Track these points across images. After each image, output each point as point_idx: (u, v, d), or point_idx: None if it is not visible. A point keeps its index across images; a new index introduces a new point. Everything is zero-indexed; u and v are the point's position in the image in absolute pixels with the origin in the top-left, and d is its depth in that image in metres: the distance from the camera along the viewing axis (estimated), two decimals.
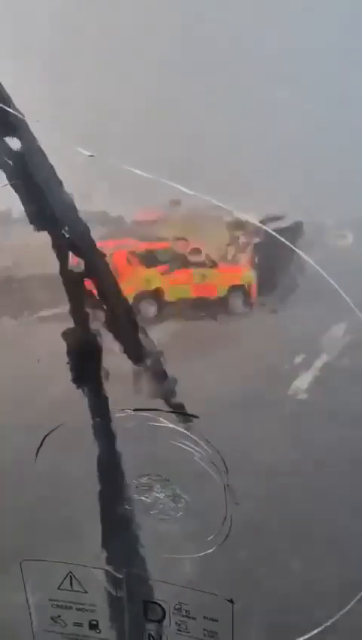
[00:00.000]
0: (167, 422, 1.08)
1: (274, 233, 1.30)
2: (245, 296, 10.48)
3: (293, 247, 1.54)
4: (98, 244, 1.10)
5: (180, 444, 1.07)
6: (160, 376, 1.14)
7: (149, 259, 9.92)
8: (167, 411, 1.08)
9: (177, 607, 1.14)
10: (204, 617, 1.12)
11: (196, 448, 1.06)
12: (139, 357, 1.14)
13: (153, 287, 9.44)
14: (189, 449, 1.06)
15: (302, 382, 5.30)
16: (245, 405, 4.62)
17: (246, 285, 10.58)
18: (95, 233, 1.09)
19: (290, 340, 6.81)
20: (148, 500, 1.14)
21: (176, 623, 1.15)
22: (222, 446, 1.06)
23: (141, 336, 1.16)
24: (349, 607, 1.05)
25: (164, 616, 1.16)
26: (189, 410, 1.12)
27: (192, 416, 1.08)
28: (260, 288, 10.69)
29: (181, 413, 1.08)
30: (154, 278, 9.43)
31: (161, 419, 1.08)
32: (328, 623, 1.06)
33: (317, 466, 3.56)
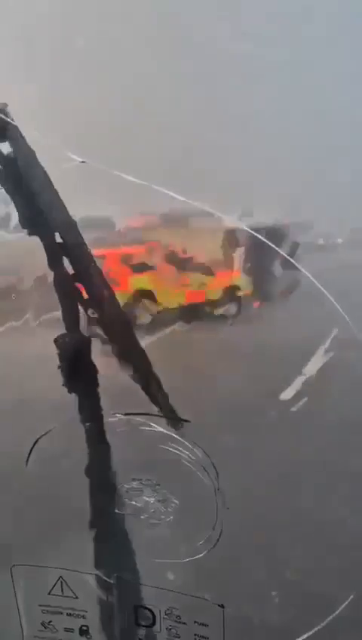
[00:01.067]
0: (158, 426, 1.09)
1: (265, 240, 1.30)
2: (239, 301, 10.51)
3: (287, 256, 1.56)
4: (91, 250, 1.11)
5: (171, 449, 1.07)
6: (151, 379, 1.14)
7: (143, 265, 9.92)
8: (158, 415, 1.08)
9: (168, 612, 1.14)
10: (195, 622, 1.12)
11: (187, 453, 1.07)
12: (132, 361, 1.14)
13: (147, 293, 9.45)
14: (180, 453, 1.07)
15: (293, 388, 5.33)
16: (236, 411, 4.64)
17: (241, 291, 10.62)
18: (88, 238, 1.09)
19: (283, 345, 6.83)
20: (139, 504, 1.14)
21: (166, 628, 1.15)
22: (213, 451, 1.06)
23: (133, 340, 1.16)
24: (338, 611, 1.06)
25: (154, 622, 1.16)
26: (181, 414, 1.12)
27: (184, 420, 1.09)
28: (254, 294, 10.74)
29: (172, 417, 1.09)
30: (148, 283, 9.43)
31: (152, 423, 1.09)
32: (318, 628, 1.07)
33: (307, 472, 3.57)
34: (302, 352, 6.26)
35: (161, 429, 1.08)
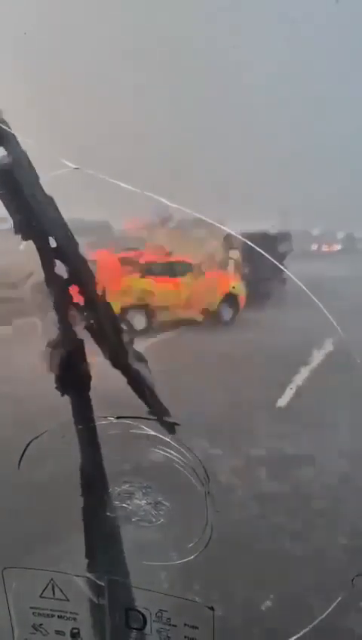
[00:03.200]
0: (149, 429, 1.10)
1: (256, 247, 1.32)
2: (234, 306, 10.53)
3: (278, 264, 1.57)
4: (86, 253, 1.12)
5: (162, 452, 1.08)
6: (144, 383, 1.15)
7: (138, 269, 9.92)
8: (150, 419, 1.09)
9: (158, 614, 1.15)
10: (185, 624, 1.13)
11: (177, 456, 1.08)
12: (124, 364, 1.15)
13: (143, 297, 9.44)
14: (171, 456, 1.08)
15: (287, 394, 5.35)
16: (229, 414, 4.65)
17: (235, 296, 10.64)
18: (83, 242, 1.10)
19: (276, 351, 6.86)
20: (130, 507, 1.15)
21: (157, 630, 1.16)
22: (204, 454, 1.07)
23: (126, 344, 1.17)
24: (327, 613, 1.07)
25: (145, 624, 1.16)
26: (175, 418, 1.13)
27: (174, 424, 1.10)
28: (248, 299, 10.77)
29: (163, 421, 1.10)
30: (143, 287, 9.43)
31: (143, 426, 1.10)
32: (306, 629, 1.08)
33: (298, 477, 3.59)
34: (296, 359, 6.29)
35: (152, 432, 1.09)
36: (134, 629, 1.18)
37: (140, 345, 1.17)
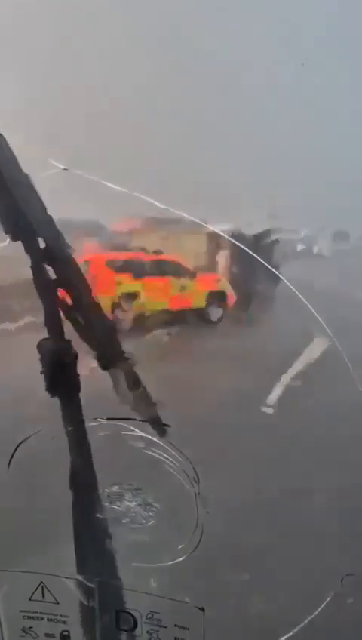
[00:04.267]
0: (140, 431, 1.10)
1: (244, 247, 1.32)
2: (223, 305, 10.55)
3: (266, 264, 1.57)
4: (75, 255, 1.11)
5: (152, 453, 1.08)
6: (133, 385, 1.15)
7: (127, 269, 9.91)
8: (140, 420, 1.09)
9: (149, 616, 1.15)
10: (176, 625, 1.13)
11: (167, 457, 1.08)
12: (113, 366, 1.15)
13: (131, 298, 9.43)
14: (161, 458, 1.08)
15: (275, 395, 5.35)
16: (218, 416, 4.66)
17: (224, 296, 10.66)
18: (73, 243, 1.10)
19: (265, 352, 6.88)
20: (120, 509, 1.14)
21: (147, 632, 1.15)
22: (194, 455, 1.07)
23: (115, 345, 1.17)
24: (317, 612, 1.07)
25: (135, 626, 1.16)
26: (163, 419, 1.13)
27: (165, 425, 1.10)
28: (237, 298, 10.79)
29: (153, 422, 1.10)
30: (132, 288, 9.41)
31: (133, 427, 1.10)
32: (297, 629, 1.08)
33: (288, 478, 3.60)
34: (285, 360, 6.31)
35: (142, 434, 1.09)
36: (125, 630, 1.17)
37: (128, 345, 1.17)
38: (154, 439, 1.09)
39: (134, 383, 1.14)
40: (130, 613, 1.16)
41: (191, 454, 1.07)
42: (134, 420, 1.09)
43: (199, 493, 1.07)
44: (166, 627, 1.14)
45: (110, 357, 1.14)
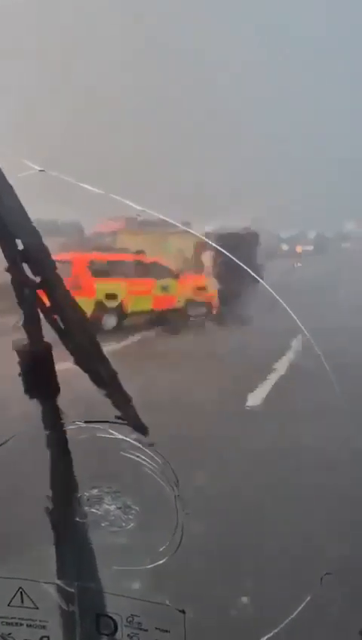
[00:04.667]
0: (119, 434, 1.09)
1: (223, 250, 1.32)
2: (206, 306, 10.57)
3: (245, 267, 1.57)
4: (56, 256, 1.10)
5: (131, 456, 1.08)
6: (115, 388, 1.14)
7: (110, 270, 9.87)
8: (119, 423, 1.08)
9: (129, 619, 1.14)
10: (156, 628, 1.12)
11: (146, 459, 1.07)
12: (93, 367, 1.14)
13: (114, 299, 9.40)
14: (140, 460, 1.07)
15: (255, 396, 5.39)
16: (199, 416, 4.67)
17: (207, 296, 10.68)
18: (53, 244, 1.09)
19: (247, 352, 6.91)
20: (99, 512, 1.14)
21: (128, 635, 1.15)
22: (173, 458, 1.07)
23: (97, 349, 1.16)
24: (295, 614, 1.08)
25: (116, 630, 1.15)
26: (143, 420, 1.13)
27: (143, 427, 1.09)
28: (221, 299, 10.82)
29: (131, 424, 1.09)
30: (115, 289, 9.37)
31: (112, 431, 1.09)
32: (277, 630, 1.09)
33: (267, 478, 3.61)
34: (265, 360, 6.35)
35: (121, 437, 1.09)
36: (105, 634, 1.17)
37: (111, 346, 1.16)
38: (133, 442, 1.08)
39: (115, 386, 1.13)
40: (110, 617, 1.15)
41: (170, 456, 1.07)
42: (113, 422, 1.08)
43: (178, 496, 1.07)
44: (146, 630, 1.13)
45: (89, 359, 1.13)
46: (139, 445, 1.07)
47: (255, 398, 5.28)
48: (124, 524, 1.13)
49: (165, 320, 9.56)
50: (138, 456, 1.07)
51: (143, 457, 1.07)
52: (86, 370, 1.12)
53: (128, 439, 1.08)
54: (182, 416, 4.56)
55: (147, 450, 1.07)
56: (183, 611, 1.09)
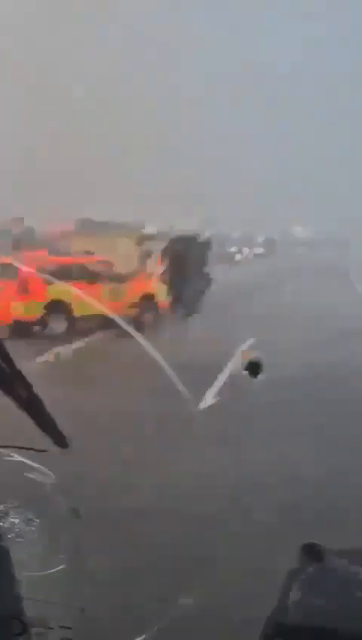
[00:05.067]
0: (19, 456, 1.21)
1: (177, 250, 1.45)
2: (155, 308, 10.64)
3: (198, 266, 1.70)
4: (6, 258, 1.17)
5: (30, 475, 1.20)
6: (43, 417, 1.22)
7: (58, 273, 9.82)
8: (19, 448, 1.21)
9: (37, 620, 1.26)
10: (61, 627, 1.26)
11: (44, 477, 1.20)
12: (15, 391, 1.21)
13: (62, 303, 9.36)
14: (37, 479, 1.20)
15: (207, 397, 5.40)
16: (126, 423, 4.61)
17: (156, 300, 10.76)
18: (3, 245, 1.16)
19: (198, 352, 6.97)
20: (6, 525, 1.25)
21: (36, 634, 1.27)
22: (68, 473, 1.20)
23: (14, 370, 1.25)
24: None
25: (25, 630, 1.27)
26: (66, 431, 1.23)
27: (41, 450, 1.21)
28: (170, 300, 10.93)
29: (30, 449, 1.21)
30: (63, 293, 9.32)
31: (14, 454, 1.21)
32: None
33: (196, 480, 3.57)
34: (218, 359, 6.36)
35: (21, 459, 1.21)
36: (16, 634, 1.28)
37: (61, 350, 1.24)
38: (32, 464, 1.21)
39: (44, 416, 1.20)
40: (19, 620, 1.26)
41: (65, 474, 1.20)
42: (14, 447, 1.20)
43: (73, 508, 1.20)
44: (52, 628, 1.26)
45: (7, 379, 1.20)
46: (38, 465, 1.20)
47: (205, 402, 5.19)
48: (27, 535, 1.26)
49: (114, 324, 9.59)
50: (36, 475, 1.20)
51: (41, 476, 1.20)
52: (8, 394, 1.20)
53: (28, 462, 1.20)
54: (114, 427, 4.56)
55: (44, 470, 1.19)
56: (83, 610, 1.22)
